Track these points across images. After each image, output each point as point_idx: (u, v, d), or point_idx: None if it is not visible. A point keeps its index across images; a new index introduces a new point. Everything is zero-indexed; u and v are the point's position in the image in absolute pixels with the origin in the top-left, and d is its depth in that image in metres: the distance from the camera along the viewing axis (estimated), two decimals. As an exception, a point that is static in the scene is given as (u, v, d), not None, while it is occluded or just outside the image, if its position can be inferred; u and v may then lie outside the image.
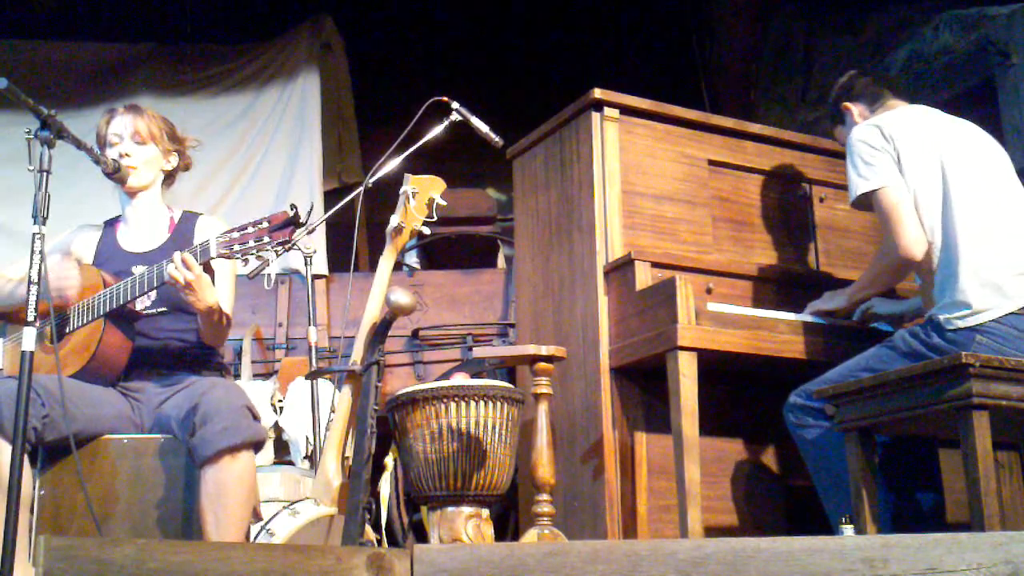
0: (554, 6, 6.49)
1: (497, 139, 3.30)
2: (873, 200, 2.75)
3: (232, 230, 2.57)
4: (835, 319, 3.00)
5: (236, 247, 2.54)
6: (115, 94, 5.12)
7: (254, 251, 2.53)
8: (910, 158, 2.73)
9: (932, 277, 2.70)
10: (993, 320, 2.57)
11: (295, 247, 3.62)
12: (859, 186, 2.77)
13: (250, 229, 2.54)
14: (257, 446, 2.59)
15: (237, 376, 4.27)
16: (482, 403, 2.53)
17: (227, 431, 2.50)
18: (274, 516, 2.61)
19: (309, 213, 2.55)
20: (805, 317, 2.99)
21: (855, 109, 3.03)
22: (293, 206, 2.52)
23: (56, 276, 2.65)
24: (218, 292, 2.74)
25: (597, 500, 2.94)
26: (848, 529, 2.47)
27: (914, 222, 2.69)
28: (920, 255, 2.69)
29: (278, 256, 2.64)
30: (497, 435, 2.54)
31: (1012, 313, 2.57)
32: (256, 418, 2.62)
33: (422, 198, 2.75)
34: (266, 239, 2.52)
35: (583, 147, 3.19)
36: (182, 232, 2.95)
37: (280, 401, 3.97)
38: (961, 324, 2.59)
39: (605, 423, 2.95)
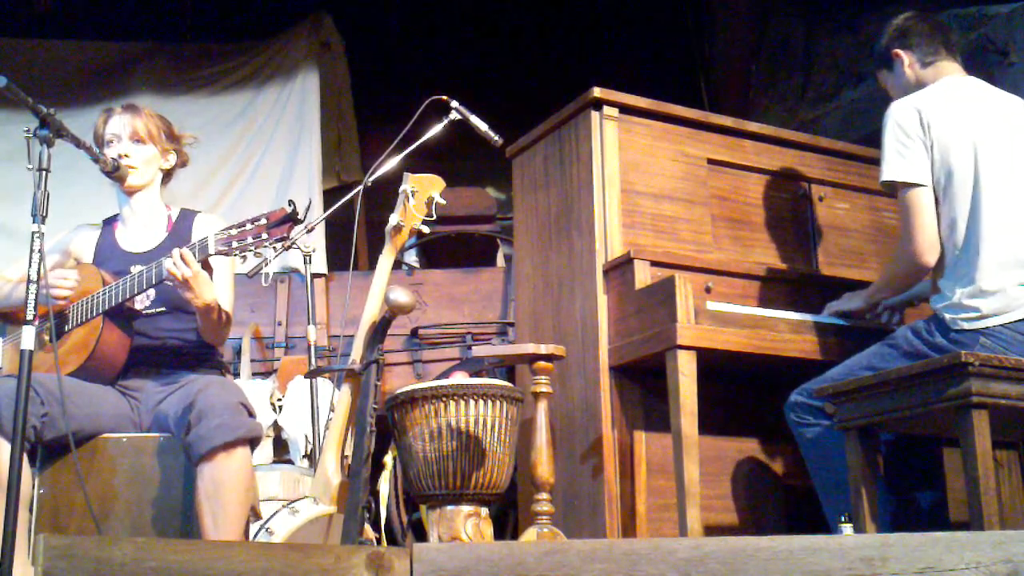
0: (553, 5, 6.49)
1: (496, 138, 3.30)
2: (898, 193, 2.71)
3: (230, 227, 2.57)
4: (853, 320, 2.99)
5: (234, 244, 2.54)
6: (114, 93, 5.12)
7: (252, 248, 2.53)
8: (944, 147, 2.65)
9: (946, 269, 2.66)
10: (1001, 325, 2.54)
11: (294, 246, 3.63)
12: (889, 173, 2.71)
13: (248, 226, 2.54)
14: (253, 442, 2.59)
15: (236, 375, 4.27)
16: (481, 402, 2.53)
17: (222, 428, 2.50)
18: (273, 515, 2.61)
19: (307, 210, 2.55)
20: (805, 316, 2.98)
21: (906, 58, 2.88)
22: (291, 202, 2.52)
23: (51, 280, 2.66)
24: (217, 290, 2.74)
25: (596, 499, 2.94)
26: (847, 528, 2.47)
27: (932, 227, 2.65)
28: (933, 261, 2.66)
29: (276, 253, 2.64)
30: (496, 434, 2.54)
31: (1021, 320, 2.55)
32: (251, 414, 2.62)
33: (421, 197, 2.75)
34: (264, 236, 2.52)
35: (582, 146, 3.19)
36: (180, 230, 2.95)
37: (279, 400, 3.97)
38: (967, 326, 2.57)
39: (604, 422, 2.94)
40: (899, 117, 2.71)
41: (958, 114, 2.70)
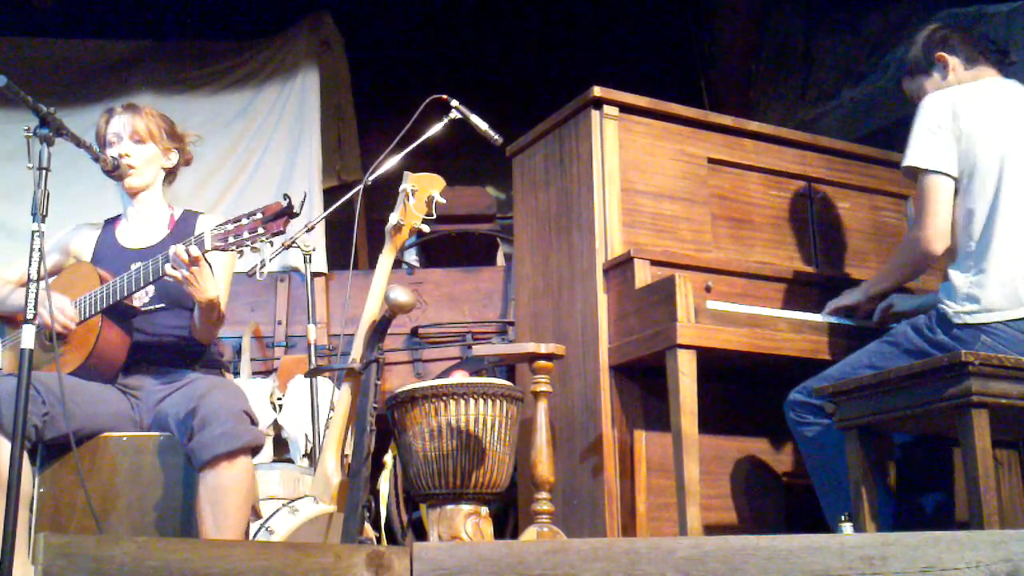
0: (553, 5, 6.49)
1: (496, 137, 3.30)
2: (919, 177, 2.72)
3: (226, 222, 2.57)
4: (855, 318, 2.99)
5: (231, 239, 2.54)
6: (114, 92, 5.11)
7: (249, 243, 2.53)
8: (973, 139, 2.67)
9: (959, 258, 2.67)
10: (1001, 322, 2.55)
11: (294, 244, 3.63)
12: (913, 159, 2.72)
13: (244, 221, 2.54)
14: (255, 451, 2.59)
15: (236, 374, 4.27)
16: (481, 401, 2.53)
17: (225, 436, 2.49)
18: (273, 514, 2.61)
19: (303, 203, 2.54)
20: (805, 315, 2.98)
21: (951, 60, 2.87)
22: (287, 196, 2.51)
23: (55, 314, 2.63)
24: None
25: (596, 498, 2.94)
26: (847, 527, 2.47)
27: (946, 216, 2.67)
28: (940, 250, 2.67)
29: (274, 250, 2.63)
30: (496, 433, 2.54)
31: (1022, 319, 2.55)
32: (254, 422, 2.61)
33: (421, 196, 2.75)
34: (261, 230, 2.51)
35: (582, 145, 3.19)
36: (182, 230, 2.94)
37: (279, 399, 3.97)
38: (969, 320, 2.57)
39: (604, 421, 2.95)
40: (932, 107, 2.73)
41: (989, 109, 2.71)
